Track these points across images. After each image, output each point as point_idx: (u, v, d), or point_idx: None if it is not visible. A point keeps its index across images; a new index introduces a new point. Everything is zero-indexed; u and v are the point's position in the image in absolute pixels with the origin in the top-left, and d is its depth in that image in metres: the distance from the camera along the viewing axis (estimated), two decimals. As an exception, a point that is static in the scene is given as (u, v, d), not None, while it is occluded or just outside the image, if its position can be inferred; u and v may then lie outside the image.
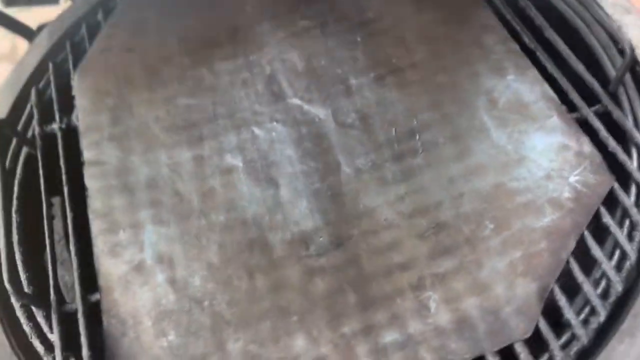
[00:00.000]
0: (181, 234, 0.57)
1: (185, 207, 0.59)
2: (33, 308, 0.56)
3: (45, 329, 0.55)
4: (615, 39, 0.65)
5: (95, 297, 0.55)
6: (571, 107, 0.61)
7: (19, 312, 0.56)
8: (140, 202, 0.59)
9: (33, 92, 0.71)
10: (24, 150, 0.68)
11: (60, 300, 0.55)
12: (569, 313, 0.50)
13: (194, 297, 0.53)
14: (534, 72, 0.64)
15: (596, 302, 0.50)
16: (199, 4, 0.77)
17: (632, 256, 0.52)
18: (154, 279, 0.55)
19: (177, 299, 0.53)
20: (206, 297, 0.53)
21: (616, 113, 0.60)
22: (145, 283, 0.54)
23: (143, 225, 0.58)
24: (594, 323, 0.50)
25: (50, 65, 0.74)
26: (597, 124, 0.59)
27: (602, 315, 0.50)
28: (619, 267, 0.52)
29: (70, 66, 0.73)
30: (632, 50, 0.57)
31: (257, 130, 0.63)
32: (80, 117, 0.67)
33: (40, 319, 0.55)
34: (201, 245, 0.56)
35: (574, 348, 0.49)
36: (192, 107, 0.66)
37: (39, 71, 0.75)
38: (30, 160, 0.67)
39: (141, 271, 0.55)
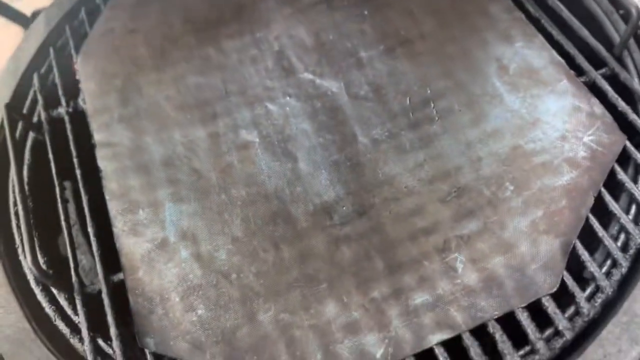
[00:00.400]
0: (202, 210, 0.57)
1: (204, 184, 0.58)
2: (54, 291, 0.55)
3: (69, 311, 0.54)
4: (616, 5, 0.66)
5: (117, 277, 0.54)
6: (579, 71, 0.63)
7: (41, 296, 0.55)
8: (157, 181, 0.59)
9: (35, 77, 0.70)
10: (31, 135, 0.66)
11: (82, 282, 0.55)
12: (592, 266, 0.51)
13: (220, 270, 0.53)
14: (540, 39, 0.65)
15: (617, 254, 0.51)
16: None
17: (650, 209, 0.54)
18: (179, 255, 0.54)
19: (203, 273, 0.53)
20: (233, 270, 0.53)
21: (623, 75, 0.61)
22: (169, 260, 0.54)
23: (163, 203, 0.57)
24: (617, 275, 0.51)
25: (52, 50, 0.72)
26: (606, 86, 0.61)
27: (624, 267, 0.51)
28: (636, 221, 0.54)
29: (72, 50, 0.71)
30: (639, 13, 0.58)
31: (270, 106, 0.63)
32: (88, 100, 0.66)
33: (62, 302, 0.55)
34: (224, 220, 0.56)
35: (599, 299, 0.50)
36: (202, 86, 0.65)
37: (39, 57, 0.73)
38: (37, 145, 0.66)
39: (165, 248, 0.55)
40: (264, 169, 0.59)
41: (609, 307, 0.50)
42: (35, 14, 0.80)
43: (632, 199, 0.55)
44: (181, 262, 0.54)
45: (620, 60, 0.63)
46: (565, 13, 0.67)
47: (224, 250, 0.54)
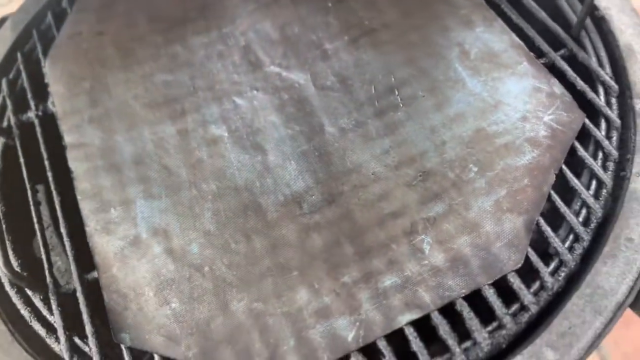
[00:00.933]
0: (174, 205, 0.57)
1: (174, 180, 0.59)
2: (29, 293, 0.55)
3: (44, 312, 0.55)
4: (574, -13, 0.68)
5: (92, 275, 0.55)
6: (539, 53, 0.64)
7: (16, 298, 0.55)
8: (128, 179, 0.59)
9: (4, 83, 0.70)
10: (1, 140, 0.66)
11: (56, 282, 0.55)
12: (555, 242, 0.52)
13: (193, 264, 0.54)
14: (500, 23, 0.66)
15: (579, 229, 0.53)
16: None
17: (608, 184, 0.55)
18: (151, 251, 0.55)
19: (176, 267, 0.54)
20: (206, 263, 0.54)
21: (581, 55, 0.63)
22: (142, 256, 0.55)
23: (134, 201, 0.58)
24: (579, 249, 0.53)
25: (19, 55, 0.72)
26: (565, 67, 0.62)
27: (586, 241, 0.53)
28: (596, 196, 0.56)
29: (40, 54, 0.72)
30: (592, -7, 0.60)
31: (238, 100, 0.64)
32: (57, 102, 0.66)
33: (37, 302, 0.55)
34: (195, 215, 0.57)
35: (563, 273, 0.51)
36: (170, 83, 0.66)
37: (7, 62, 0.73)
38: (8, 150, 0.66)
39: (137, 245, 0.55)
40: (233, 162, 0.59)
41: (573, 281, 0.52)
42: (3, 20, 0.80)
43: (592, 174, 0.57)
44: (154, 258, 0.54)
45: (578, 41, 0.65)
46: (525, -3, 0.68)
47: (196, 244, 0.55)
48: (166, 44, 0.70)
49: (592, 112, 0.60)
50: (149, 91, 0.66)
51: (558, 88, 0.60)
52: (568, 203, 0.55)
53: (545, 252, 0.54)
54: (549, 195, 0.55)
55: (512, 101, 0.60)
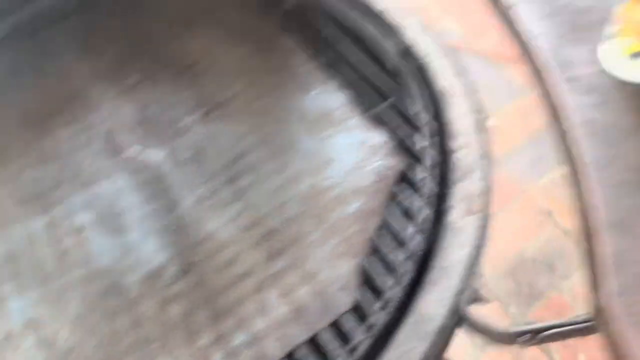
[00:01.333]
0: (44, 296, 0.62)
1: (44, 272, 0.64)
2: None
3: None
4: (393, 40, 0.76)
5: (-29, 376, 0.59)
6: (368, 105, 0.72)
7: None
8: (1, 278, 0.64)
9: None
10: None
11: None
12: (378, 279, 0.59)
13: (63, 350, 0.58)
14: (335, 83, 0.74)
15: (401, 265, 0.60)
16: (32, 78, 0.81)
17: (428, 219, 0.63)
18: (24, 343, 0.59)
19: (47, 356, 0.58)
20: (74, 348, 0.58)
21: (401, 105, 0.71)
22: (16, 350, 0.59)
23: (7, 297, 0.62)
24: (404, 282, 0.59)
25: None
26: (390, 116, 0.70)
27: (409, 273, 0.60)
28: (421, 231, 0.63)
29: None
30: (401, 43, 0.68)
31: (101, 186, 0.69)
32: None
33: None
34: (64, 302, 0.61)
35: (391, 307, 0.58)
36: (39, 178, 0.71)
37: None
38: None
39: (11, 340, 0.60)
40: (97, 247, 0.65)
41: (400, 312, 0.58)
42: None
43: (415, 211, 0.64)
44: (26, 350, 0.59)
45: (404, 89, 0.73)
46: (355, 55, 0.76)
47: (65, 330, 0.60)
48: (35, 139, 0.75)
49: (416, 155, 0.68)
50: (19, 188, 0.70)
51: (383, 137, 0.68)
52: (397, 240, 0.62)
53: (376, 289, 0.61)
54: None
55: (342, 156, 0.67)
